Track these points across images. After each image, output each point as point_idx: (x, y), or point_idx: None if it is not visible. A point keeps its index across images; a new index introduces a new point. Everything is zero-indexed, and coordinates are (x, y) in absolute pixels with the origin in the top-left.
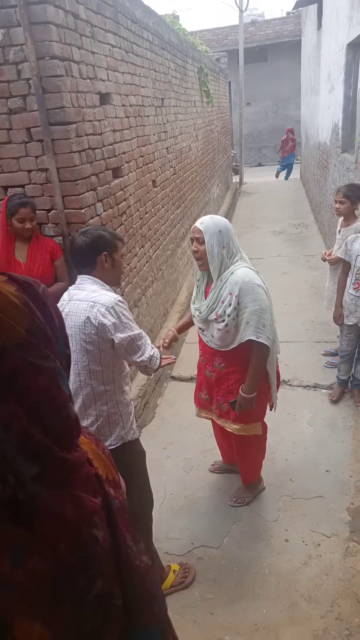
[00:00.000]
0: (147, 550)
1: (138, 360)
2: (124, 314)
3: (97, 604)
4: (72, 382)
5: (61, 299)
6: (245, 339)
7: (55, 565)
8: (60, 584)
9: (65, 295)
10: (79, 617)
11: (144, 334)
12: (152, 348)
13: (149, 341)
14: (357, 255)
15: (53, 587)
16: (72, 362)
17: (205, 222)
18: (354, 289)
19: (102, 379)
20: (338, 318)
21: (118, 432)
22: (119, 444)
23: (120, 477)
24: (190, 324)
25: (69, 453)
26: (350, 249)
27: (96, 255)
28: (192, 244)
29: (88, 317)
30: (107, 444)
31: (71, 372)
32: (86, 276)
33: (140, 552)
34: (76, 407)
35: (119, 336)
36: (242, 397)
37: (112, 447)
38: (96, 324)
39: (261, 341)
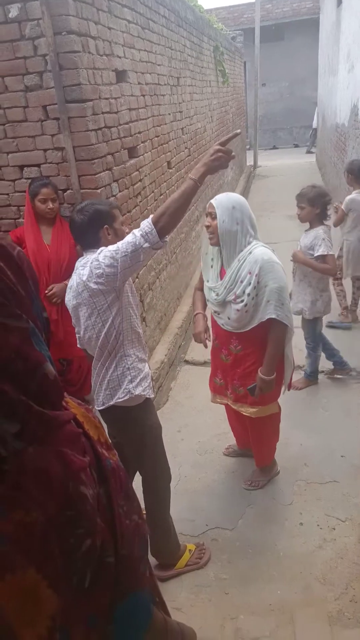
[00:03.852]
0: (139, 509)
1: (130, 245)
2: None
3: (86, 561)
4: (94, 346)
5: (70, 281)
6: (266, 317)
7: (45, 522)
8: (50, 539)
9: (74, 275)
10: (69, 570)
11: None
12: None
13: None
14: (300, 247)
15: (44, 539)
16: (88, 328)
17: (219, 199)
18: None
19: (114, 339)
20: None
21: (126, 385)
22: (126, 397)
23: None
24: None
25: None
26: (300, 243)
27: (97, 230)
28: (205, 218)
29: (91, 270)
30: (116, 395)
31: (92, 337)
32: (91, 251)
33: (130, 511)
34: (95, 366)
35: (104, 260)
36: (261, 379)
37: (120, 399)
38: (94, 272)
39: (281, 320)
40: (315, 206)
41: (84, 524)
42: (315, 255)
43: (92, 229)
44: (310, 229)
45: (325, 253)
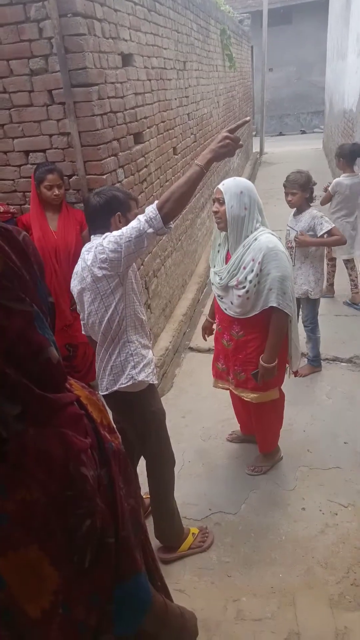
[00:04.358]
0: (136, 493)
1: (135, 230)
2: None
3: (86, 541)
4: (97, 331)
5: (76, 266)
6: (268, 305)
7: (46, 501)
8: (52, 518)
9: (80, 260)
10: (69, 549)
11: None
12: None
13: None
14: (287, 225)
15: (45, 517)
16: (92, 313)
17: (227, 184)
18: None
19: (117, 324)
20: None
21: (129, 371)
22: (129, 383)
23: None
24: None
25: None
26: (294, 228)
27: (110, 215)
28: (213, 204)
29: (95, 255)
30: (120, 381)
31: (95, 322)
32: (99, 236)
33: (128, 495)
34: (99, 352)
35: (108, 245)
36: (263, 366)
37: (124, 385)
38: (98, 257)
39: (282, 308)
40: (305, 191)
41: (84, 504)
42: (321, 233)
43: (105, 213)
44: (299, 213)
45: (330, 227)
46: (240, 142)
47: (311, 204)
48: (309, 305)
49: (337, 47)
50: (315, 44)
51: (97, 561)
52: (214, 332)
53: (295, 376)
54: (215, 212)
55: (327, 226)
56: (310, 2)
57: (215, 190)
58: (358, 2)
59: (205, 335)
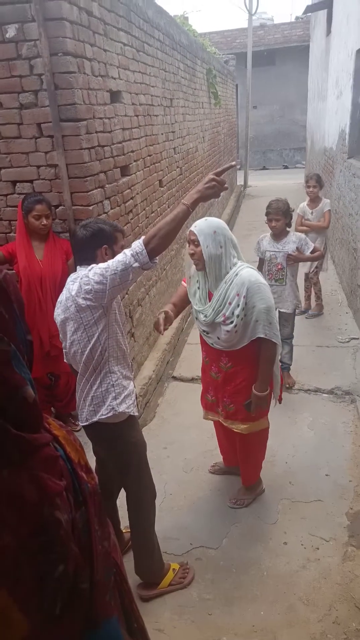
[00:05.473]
0: (109, 535)
1: (120, 264)
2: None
3: (58, 587)
4: (79, 361)
5: (60, 295)
6: (256, 336)
7: (17, 547)
8: (23, 563)
9: (64, 290)
10: (40, 595)
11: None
12: (127, 255)
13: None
14: (266, 251)
15: (15, 563)
16: (74, 343)
17: (200, 225)
18: (269, 278)
19: (99, 355)
20: None
21: (109, 402)
22: (110, 414)
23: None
24: (181, 305)
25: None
26: (259, 247)
27: (96, 248)
28: (188, 246)
29: (80, 286)
30: (100, 412)
31: (77, 352)
32: (84, 267)
33: (102, 537)
34: (80, 381)
35: (93, 277)
36: (255, 395)
37: (104, 416)
38: (83, 288)
39: (269, 338)
40: (287, 217)
41: (57, 549)
42: (309, 251)
43: (92, 245)
44: (280, 238)
45: (313, 245)
46: (226, 185)
47: (288, 229)
48: (292, 319)
49: (317, 89)
50: (297, 84)
51: (68, 607)
52: (202, 364)
53: (280, 402)
54: (192, 254)
55: (311, 245)
56: (292, 47)
57: (188, 232)
58: (336, 49)
59: (161, 326)
